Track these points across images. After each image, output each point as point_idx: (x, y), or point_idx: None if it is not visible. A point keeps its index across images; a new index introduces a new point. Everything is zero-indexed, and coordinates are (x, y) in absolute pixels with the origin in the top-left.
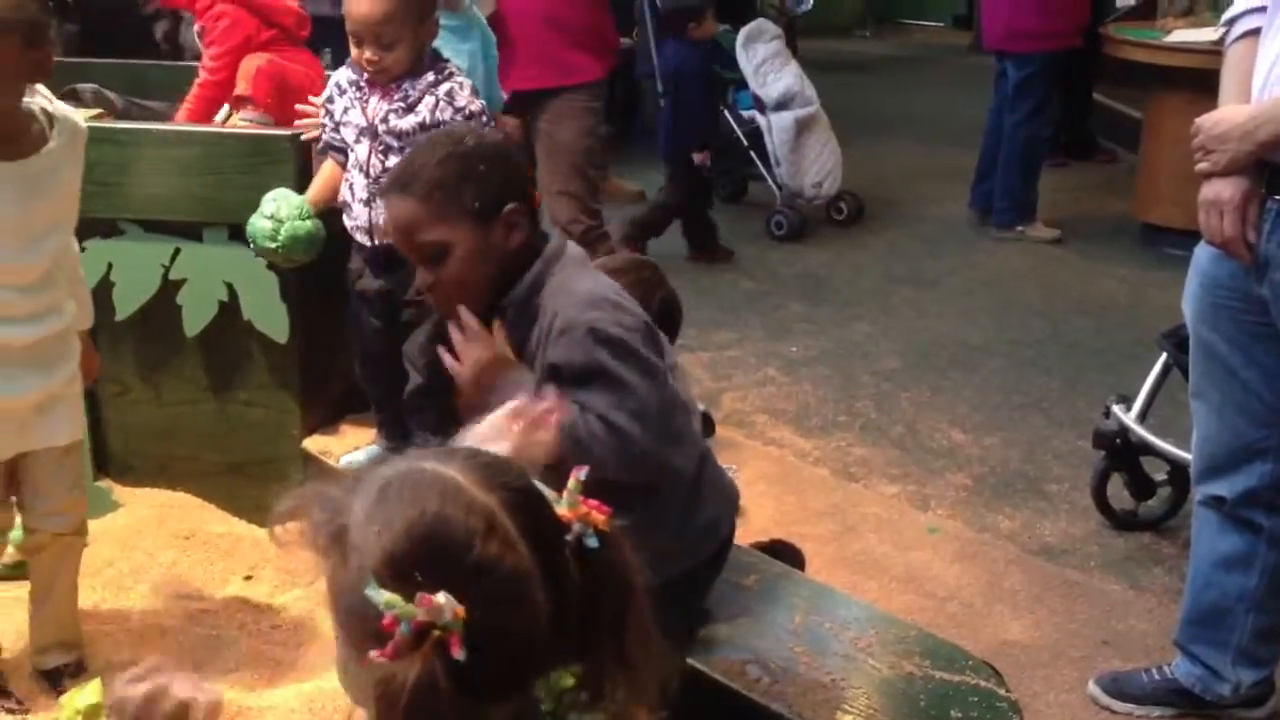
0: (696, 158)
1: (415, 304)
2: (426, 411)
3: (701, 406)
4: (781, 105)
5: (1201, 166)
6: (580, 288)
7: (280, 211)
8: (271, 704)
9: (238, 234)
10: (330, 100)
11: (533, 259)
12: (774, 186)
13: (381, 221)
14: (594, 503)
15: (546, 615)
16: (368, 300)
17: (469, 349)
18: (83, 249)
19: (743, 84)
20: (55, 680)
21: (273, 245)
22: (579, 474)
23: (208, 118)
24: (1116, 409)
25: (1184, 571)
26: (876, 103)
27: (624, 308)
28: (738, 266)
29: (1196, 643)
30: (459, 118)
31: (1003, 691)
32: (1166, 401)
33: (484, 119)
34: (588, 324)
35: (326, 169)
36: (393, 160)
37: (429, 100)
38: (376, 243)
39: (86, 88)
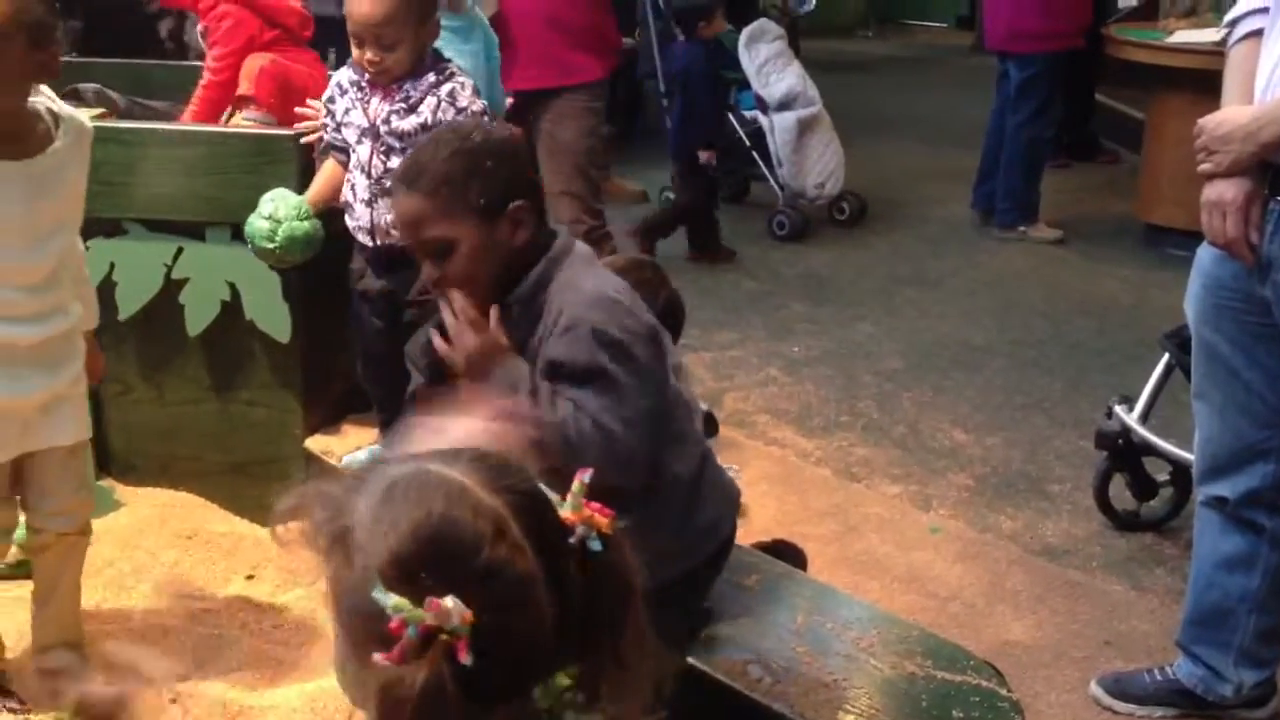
0: (702, 156)
1: (417, 304)
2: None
3: (704, 406)
4: (784, 105)
5: (1204, 167)
6: (587, 286)
7: (278, 212)
8: (274, 703)
9: (240, 234)
10: (331, 100)
11: (539, 256)
12: (776, 187)
13: (383, 222)
14: (597, 506)
15: (551, 618)
16: (370, 300)
17: (462, 333)
18: (85, 248)
19: (745, 84)
20: (57, 680)
21: (270, 245)
22: (583, 477)
23: (213, 119)
24: (1119, 409)
25: (1186, 572)
26: (879, 103)
27: (629, 310)
28: (740, 266)
29: (1198, 643)
30: (461, 118)
31: (1004, 692)
32: (1169, 402)
33: (486, 119)
34: (592, 324)
35: (327, 168)
36: (394, 161)
37: (431, 101)
38: (378, 243)
39: (89, 87)
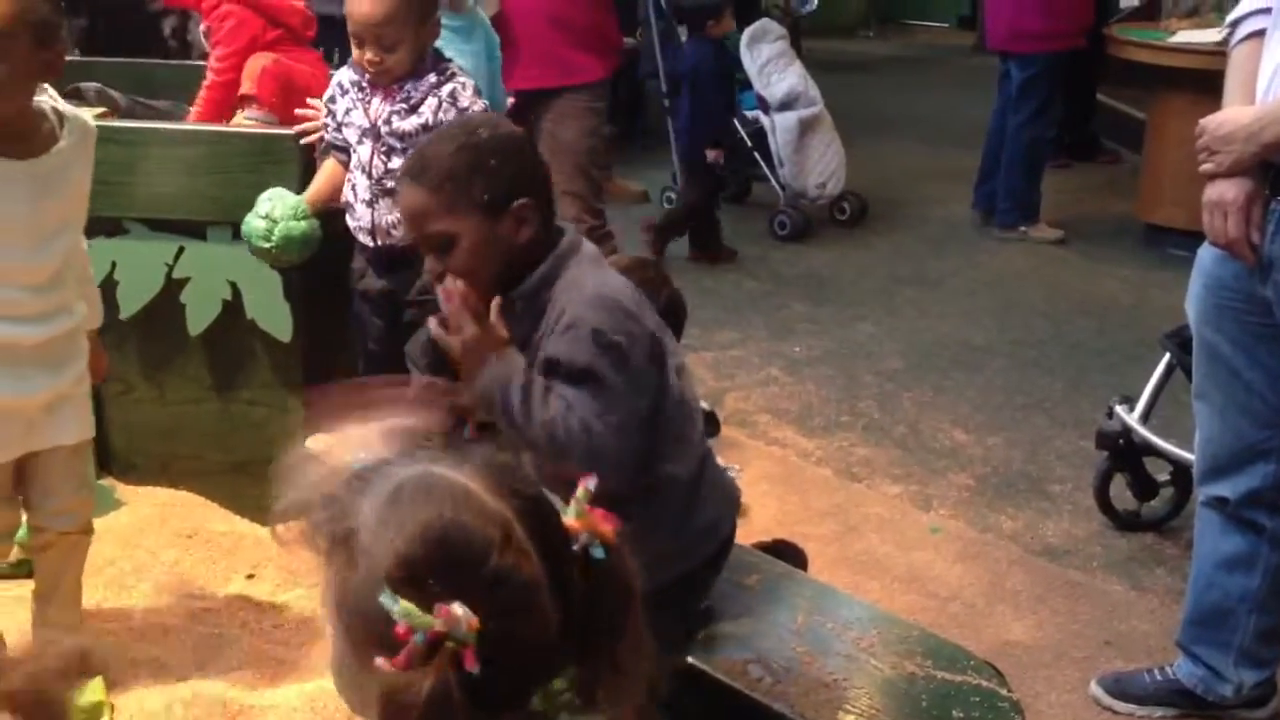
0: (710, 155)
1: (417, 304)
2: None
3: (706, 406)
4: (785, 105)
5: (1206, 168)
6: (591, 286)
7: (275, 211)
8: (274, 703)
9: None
10: (332, 100)
11: (546, 253)
12: (777, 187)
13: (384, 223)
14: (601, 513)
15: (554, 624)
16: (370, 300)
17: (461, 322)
18: (86, 247)
19: (746, 84)
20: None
21: (266, 245)
22: (587, 483)
23: (218, 120)
24: (1119, 409)
25: (1186, 572)
26: (880, 103)
27: (631, 313)
28: (741, 266)
29: (1199, 643)
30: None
31: (1004, 692)
32: (1169, 402)
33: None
34: (592, 325)
35: (328, 167)
36: (395, 161)
37: (432, 102)
38: (379, 243)
39: (90, 86)
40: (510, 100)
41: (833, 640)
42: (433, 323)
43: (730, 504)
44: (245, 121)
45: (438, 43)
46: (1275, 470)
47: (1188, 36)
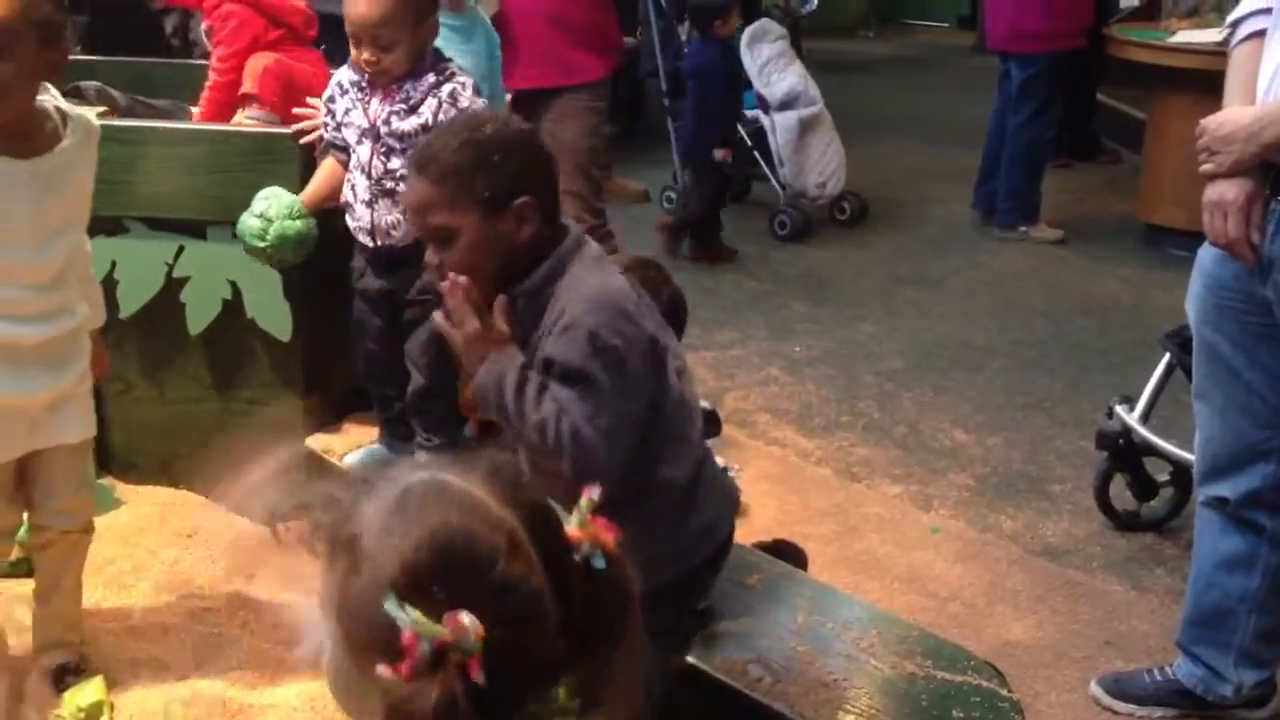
0: (718, 154)
1: (417, 304)
2: (429, 411)
3: (707, 405)
4: (785, 105)
5: (1206, 168)
6: (592, 286)
7: (270, 210)
8: (273, 702)
9: None
10: (332, 100)
11: (549, 251)
12: (777, 186)
13: (383, 223)
14: (603, 522)
15: (555, 632)
16: (370, 300)
17: (464, 315)
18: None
19: (746, 83)
20: (58, 678)
21: (261, 244)
22: (591, 493)
23: (221, 121)
24: (1119, 409)
25: (1186, 572)
26: (880, 103)
27: (630, 317)
28: (741, 266)
29: (1198, 644)
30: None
31: (1004, 692)
32: (1169, 402)
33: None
34: (590, 326)
35: (326, 167)
36: (395, 162)
37: (431, 102)
38: (378, 244)
39: (90, 85)
40: (508, 99)
41: (833, 640)
42: (438, 316)
43: (729, 505)
44: (246, 121)
45: (438, 42)
46: (1275, 470)
47: (1188, 36)
